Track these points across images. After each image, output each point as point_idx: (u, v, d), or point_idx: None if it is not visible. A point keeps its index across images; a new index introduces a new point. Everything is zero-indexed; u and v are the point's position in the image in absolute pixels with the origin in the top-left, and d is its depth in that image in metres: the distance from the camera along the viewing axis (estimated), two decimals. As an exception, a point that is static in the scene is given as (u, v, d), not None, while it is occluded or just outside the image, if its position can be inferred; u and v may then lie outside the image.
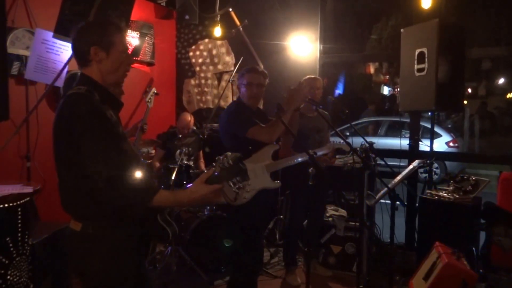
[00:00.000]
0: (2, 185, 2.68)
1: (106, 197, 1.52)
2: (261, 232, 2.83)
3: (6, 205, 2.40)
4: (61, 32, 3.28)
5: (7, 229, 2.43)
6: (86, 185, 1.53)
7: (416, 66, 3.62)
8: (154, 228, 1.78)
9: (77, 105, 1.56)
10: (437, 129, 8.20)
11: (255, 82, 2.80)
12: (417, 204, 3.89)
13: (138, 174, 1.64)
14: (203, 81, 5.43)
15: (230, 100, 5.17)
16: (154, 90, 3.90)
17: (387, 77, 16.09)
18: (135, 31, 4.64)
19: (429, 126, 4.76)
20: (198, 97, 5.47)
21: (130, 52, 1.75)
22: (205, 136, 4.53)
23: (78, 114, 1.54)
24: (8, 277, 2.40)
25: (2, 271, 2.36)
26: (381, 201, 3.08)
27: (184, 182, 3.90)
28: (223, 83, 5.28)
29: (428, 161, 3.63)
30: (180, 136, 4.24)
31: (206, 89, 5.41)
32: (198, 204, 1.68)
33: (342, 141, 3.20)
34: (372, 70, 15.40)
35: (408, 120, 4.45)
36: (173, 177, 3.59)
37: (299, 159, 2.90)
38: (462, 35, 3.68)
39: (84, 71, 1.70)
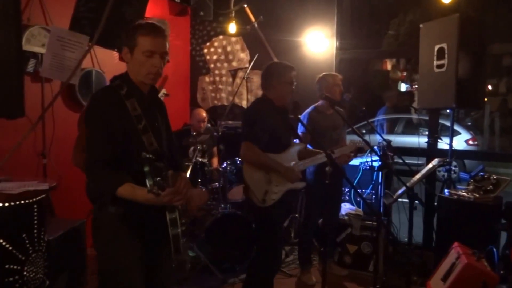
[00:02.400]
0: (18, 182, 2.70)
1: (87, 179, 1.77)
2: (281, 230, 2.81)
3: (22, 201, 2.42)
4: (76, 29, 3.29)
5: (23, 225, 2.44)
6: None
7: (435, 62, 3.53)
8: (159, 227, 1.80)
9: (93, 96, 1.88)
10: (456, 127, 8.02)
11: (294, 81, 2.76)
12: (435, 203, 3.80)
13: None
14: (217, 78, 5.42)
15: (244, 97, 5.14)
16: (164, 91, 3.93)
17: (405, 73, 15.83)
18: (150, 28, 4.64)
19: (447, 123, 4.66)
20: (213, 94, 5.46)
21: (157, 55, 1.82)
22: (220, 134, 4.51)
23: (89, 103, 1.82)
24: (25, 273, 2.41)
25: (19, 267, 2.38)
26: (399, 199, 3.02)
27: (199, 180, 3.89)
28: (238, 80, 5.25)
29: (447, 160, 3.54)
30: (194, 133, 4.23)
31: (220, 86, 5.40)
32: (155, 204, 1.73)
33: (360, 139, 3.14)
34: (389, 66, 15.17)
35: (426, 118, 4.36)
36: (187, 175, 3.58)
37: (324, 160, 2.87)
38: (483, 30, 3.58)
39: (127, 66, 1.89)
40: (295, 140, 2.95)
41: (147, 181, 1.63)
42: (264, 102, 2.78)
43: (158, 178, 1.61)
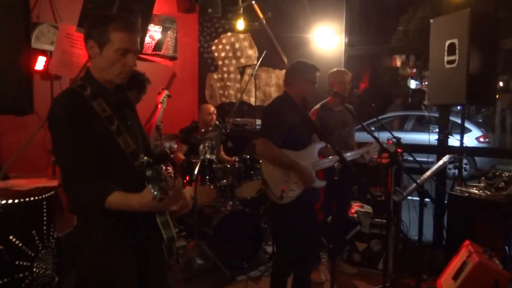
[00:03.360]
0: (27, 179, 2.72)
1: (66, 195, 1.58)
2: (304, 233, 2.76)
3: (31, 198, 2.43)
4: (84, 26, 3.28)
5: (32, 222, 2.45)
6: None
7: (446, 58, 3.49)
8: (151, 230, 1.70)
9: (55, 102, 1.62)
10: (466, 124, 7.92)
11: (316, 81, 2.76)
12: (446, 201, 3.76)
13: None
14: (225, 75, 5.40)
15: (253, 94, 5.12)
16: (166, 92, 3.97)
17: (414, 70, 15.67)
18: (158, 25, 4.65)
19: (457, 120, 4.59)
20: (221, 92, 5.45)
21: (131, 54, 1.66)
22: (228, 131, 4.50)
23: (52, 111, 1.59)
24: (34, 269, 2.43)
25: (28, 264, 2.39)
26: (408, 197, 2.98)
27: (207, 177, 3.89)
28: (246, 77, 5.24)
29: (458, 157, 3.49)
30: (202, 130, 4.23)
31: (228, 83, 5.39)
32: (152, 210, 1.61)
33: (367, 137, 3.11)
34: (398, 63, 15.01)
35: (436, 115, 4.31)
36: (195, 172, 3.58)
37: (348, 156, 2.88)
38: (495, 25, 3.53)
39: (88, 63, 1.72)
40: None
41: (150, 187, 1.48)
42: (285, 99, 2.77)
43: (162, 183, 1.51)
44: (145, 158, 1.53)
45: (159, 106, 3.84)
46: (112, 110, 1.64)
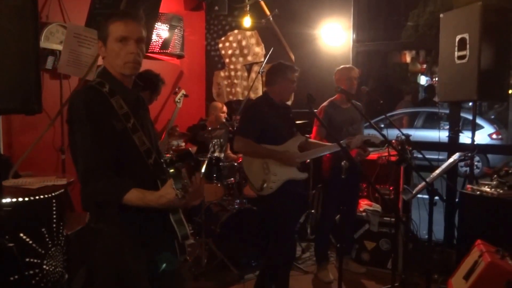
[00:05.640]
0: (37, 177, 2.75)
1: (82, 191, 1.60)
2: (292, 224, 2.84)
3: (41, 196, 2.46)
4: (92, 25, 3.30)
5: (42, 220, 2.48)
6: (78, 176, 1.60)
7: (456, 53, 3.43)
8: (163, 228, 1.69)
9: (75, 97, 1.64)
10: (478, 120, 7.78)
11: (295, 80, 2.87)
12: (457, 200, 3.69)
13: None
14: (232, 73, 5.39)
15: (260, 92, 5.10)
16: (183, 91, 3.98)
17: (424, 66, 15.46)
18: (165, 23, 4.64)
19: (469, 117, 4.52)
20: (228, 89, 5.43)
21: (132, 41, 1.64)
22: (235, 129, 4.49)
23: (72, 106, 1.60)
24: (44, 266, 2.46)
25: (39, 261, 2.42)
26: (418, 196, 2.94)
27: (214, 175, 3.88)
28: (253, 75, 5.21)
29: (469, 154, 3.43)
30: (210, 128, 4.23)
31: (235, 81, 5.37)
32: (169, 207, 1.62)
33: (374, 134, 3.07)
34: (408, 59, 14.83)
35: (447, 111, 4.24)
36: (203, 170, 3.58)
37: (327, 152, 2.95)
38: (507, 19, 3.44)
39: (99, 62, 1.75)
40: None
41: (173, 184, 1.49)
42: (262, 98, 2.93)
43: (186, 181, 1.52)
44: (168, 156, 1.53)
45: (175, 105, 3.86)
46: (128, 107, 1.66)
